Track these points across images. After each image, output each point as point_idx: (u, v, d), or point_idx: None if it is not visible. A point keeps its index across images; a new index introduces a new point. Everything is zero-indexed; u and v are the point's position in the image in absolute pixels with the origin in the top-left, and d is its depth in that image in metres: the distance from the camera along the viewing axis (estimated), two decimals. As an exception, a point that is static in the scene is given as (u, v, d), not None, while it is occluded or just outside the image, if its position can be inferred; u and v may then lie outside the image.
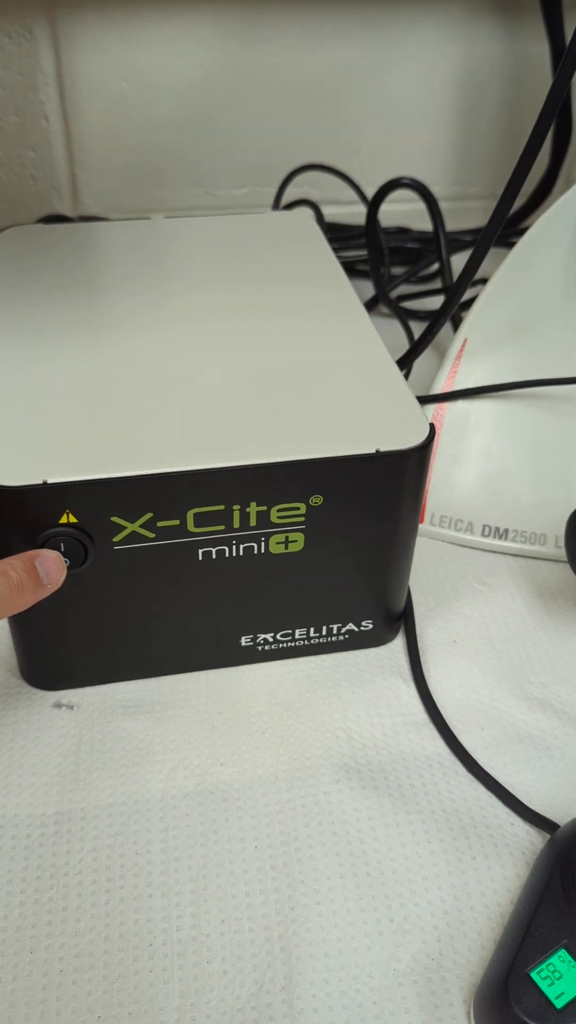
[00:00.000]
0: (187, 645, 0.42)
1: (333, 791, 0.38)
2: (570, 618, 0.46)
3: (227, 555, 0.38)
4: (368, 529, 0.39)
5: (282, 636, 0.42)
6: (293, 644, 0.43)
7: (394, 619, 0.44)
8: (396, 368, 0.42)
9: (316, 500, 0.37)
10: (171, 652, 0.42)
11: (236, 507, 0.37)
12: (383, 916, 0.34)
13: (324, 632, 0.43)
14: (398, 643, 0.45)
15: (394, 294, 0.72)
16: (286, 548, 0.39)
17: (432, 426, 0.38)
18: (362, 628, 0.43)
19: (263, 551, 0.38)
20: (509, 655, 0.44)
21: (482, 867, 0.35)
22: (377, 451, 0.36)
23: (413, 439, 0.37)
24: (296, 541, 0.38)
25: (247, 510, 0.37)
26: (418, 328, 0.66)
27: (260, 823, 0.36)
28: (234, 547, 0.38)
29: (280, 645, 0.43)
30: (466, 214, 0.85)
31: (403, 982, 0.32)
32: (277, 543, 0.38)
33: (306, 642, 0.43)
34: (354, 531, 0.39)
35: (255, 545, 0.38)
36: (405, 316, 0.66)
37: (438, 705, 0.41)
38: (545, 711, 0.41)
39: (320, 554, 0.39)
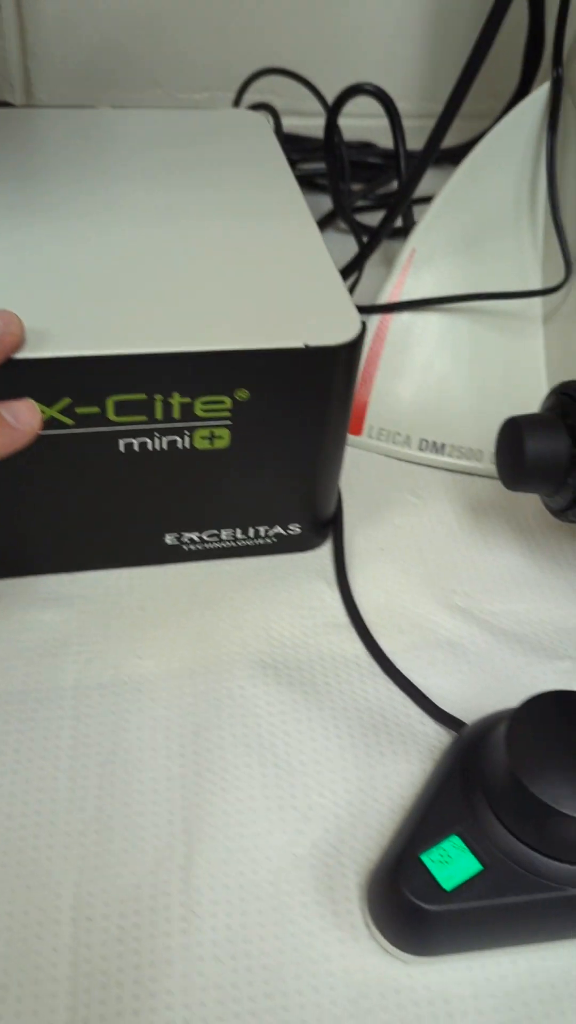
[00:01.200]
0: (110, 540, 0.41)
1: (248, 686, 0.38)
2: (499, 533, 0.46)
3: (150, 448, 0.37)
4: (295, 428, 0.38)
5: (208, 536, 0.42)
6: (219, 545, 0.42)
7: (322, 525, 0.44)
8: (332, 266, 0.41)
9: (242, 395, 0.36)
10: (94, 547, 0.41)
11: (158, 397, 0.36)
12: (287, 804, 0.34)
13: (251, 534, 0.42)
14: (325, 549, 0.44)
15: (355, 213, 0.70)
16: (211, 444, 0.38)
17: (364, 323, 0.37)
18: (289, 532, 0.43)
19: (187, 446, 0.38)
20: (436, 565, 0.44)
21: (389, 762, 0.36)
22: (305, 345, 0.36)
23: (343, 335, 0.36)
24: (221, 437, 0.38)
25: (170, 401, 0.36)
26: (385, 243, 0.65)
27: (172, 714, 0.37)
28: (157, 440, 0.37)
29: (206, 545, 0.42)
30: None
31: (301, 866, 0.32)
32: (202, 438, 0.38)
33: (233, 543, 0.43)
34: (281, 430, 0.38)
35: (179, 439, 0.37)
36: (361, 232, 0.65)
37: (360, 609, 0.41)
38: (466, 619, 0.41)
39: (246, 452, 0.39)
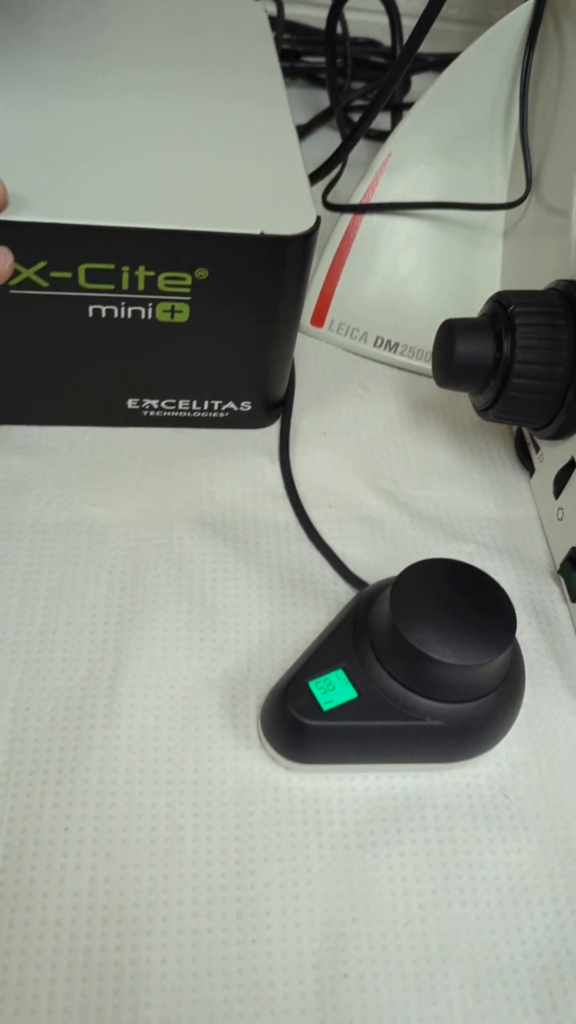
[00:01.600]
0: (77, 400, 0.45)
1: (187, 537, 0.43)
2: (435, 429, 0.50)
3: (116, 316, 0.41)
4: (250, 310, 0.42)
5: (166, 404, 0.46)
6: (176, 414, 0.47)
7: (272, 405, 0.48)
8: (300, 161, 0.44)
9: (201, 273, 0.40)
10: (60, 404, 0.46)
11: (125, 268, 0.39)
12: (207, 636, 0.39)
13: (206, 407, 0.47)
14: (273, 429, 0.49)
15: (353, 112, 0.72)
16: (172, 317, 0.42)
17: (319, 218, 0.40)
18: (241, 408, 0.47)
19: (150, 317, 0.42)
20: (370, 452, 0.49)
21: (300, 611, 0.41)
22: (261, 232, 0.39)
23: (298, 226, 0.40)
24: (181, 312, 0.42)
25: (136, 273, 0.40)
26: (367, 145, 0.67)
27: (118, 554, 0.42)
28: (123, 308, 0.41)
29: (164, 413, 0.47)
30: (444, 37, 0.83)
31: (211, 687, 0.38)
32: (163, 311, 0.42)
33: (188, 413, 0.47)
34: (236, 310, 0.42)
35: (142, 310, 0.41)
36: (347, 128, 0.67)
37: (296, 483, 0.46)
38: (388, 501, 0.46)
39: (204, 328, 0.43)
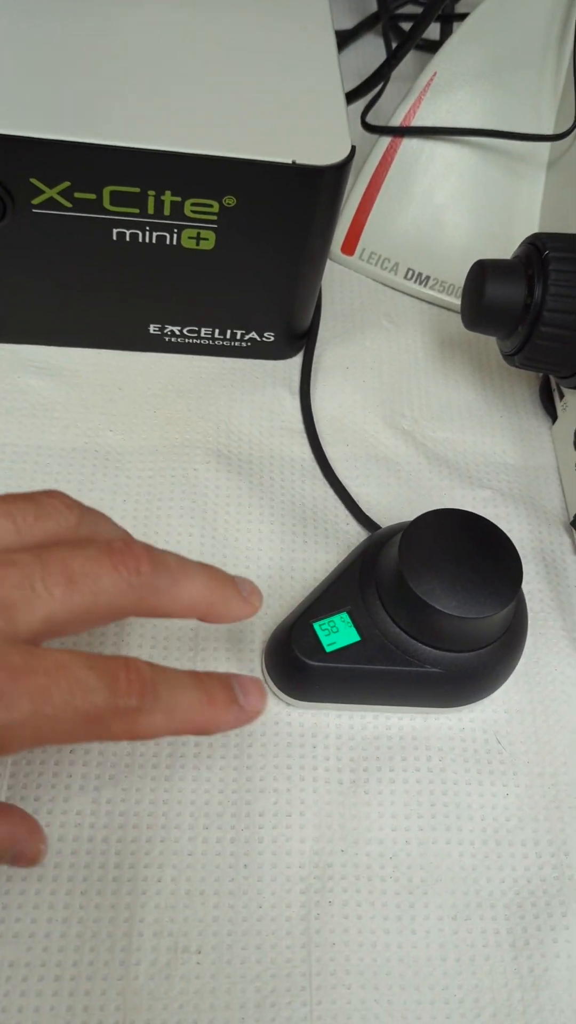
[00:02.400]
0: (100, 322, 0.45)
1: (202, 469, 0.43)
2: (459, 369, 0.50)
3: (140, 240, 0.40)
4: (277, 241, 0.41)
5: (188, 332, 0.46)
6: (197, 341, 0.46)
7: (296, 337, 0.48)
8: (339, 86, 0.42)
9: (229, 201, 0.39)
10: (82, 326, 0.45)
11: (151, 192, 0.38)
12: (218, 564, 0.40)
13: (228, 336, 0.46)
14: (295, 361, 0.48)
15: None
16: (197, 244, 0.41)
17: (353, 148, 0.39)
18: (264, 339, 0.47)
19: (175, 243, 0.41)
20: (392, 389, 0.48)
21: (311, 549, 0.41)
22: (293, 162, 0.38)
23: (332, 157, 0.38)
24: (207, 239, 0.41)
25: (162, 198, 0.39)
26: (413, 56, 0.64)
27: (133, 483, 0.42)
28: (147, 233, 0.40)
29: (185, 340, 0.46)
30: None
31: (219, 638, 0.39)
32: (189, 237, 0.41)
33: (210, 342, 0.46)
34: (263, 240, 0.41)
35: (167, 235, 0.40)
36: (393, 42, 0.63)
37: (314, 419, 0.46)
38: (406, 441, 0.46)
39: (229, 256, 0.42)
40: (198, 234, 0.40)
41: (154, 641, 0.38)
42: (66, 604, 0.25)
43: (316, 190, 0.39)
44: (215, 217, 0.40)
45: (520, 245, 0.43)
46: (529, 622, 0.40)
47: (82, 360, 0.46)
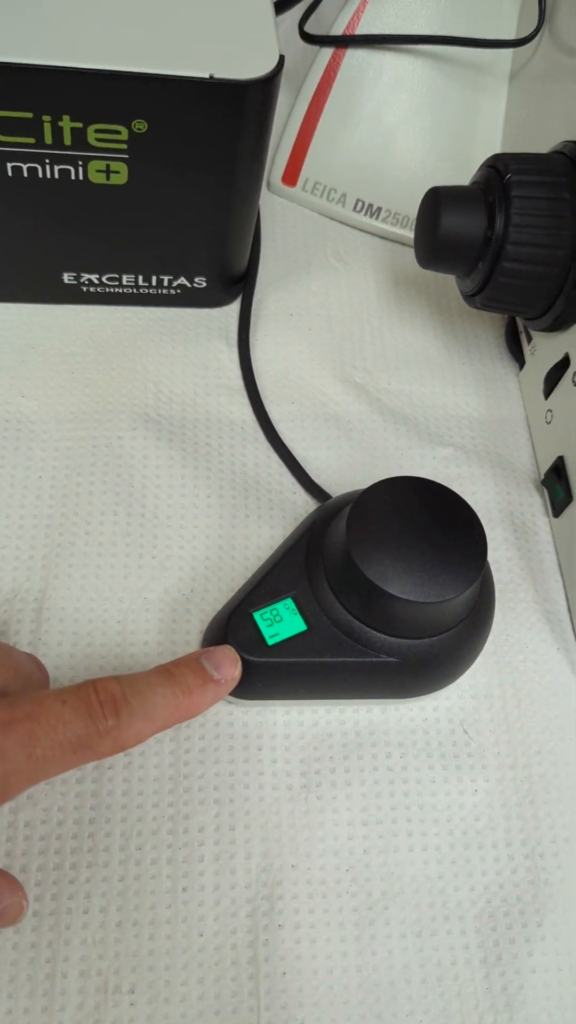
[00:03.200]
0: (5, 272, 0.40)
1: (127, 437, 0.38)
2: (417, 311, 0.45)
3: (40, 175, 0.35)
4: (200, 171, 0.36)
5: (108, 280, 0.40)
6: (120, 290, 0.41)
7: (232, 281, 0.42)
8: (265, -15, 0.36)
9: (139, 126, 0.34)
10: (-13, 277, 0.40)
11: (46, 118, 0.33)
12: (147, 552, 0.36)
13: (154, 283, 0.41)
14: (233, 308, 0.43)
15: None
16: (107, 179, 0.36)
17: (282, 57, 0.34)
18: (195, 285, 0.41)
19: (81, 178, 0.35)
20: (342, 336, 0.43)
21: (253, 525, 0.37)
22: (211, 76, 0.32)
23: (257, 69, 0.33)
24: (119, 172, 0.35)
25: (60, 124, 0.33)
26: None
27: (49, 455, 0.37)
28: (47, 167, 0.35)
29: (106, 289, 0.41)
30: None
31: (150, 609, 0.35)
32: (97, 171, 0.35)
33: (134, 290, 0.41)
34: (184, 171, 0.36)
35: (71, 169, 0.35)
36: None
37: (255, 374, 0.41)
38: (359, 396, 0.41)
39: (146, 192, 0.36)
40: (107, 166, 0.35)
41: (75, 638, 0.33)
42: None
43: (240, 109, 0.34)
44: (125, 146, 0.34)
45: (479, 169, 0.38)
46: (497, 595, 0.36)
47: (-11, 316, 0.41)
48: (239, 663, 0.30)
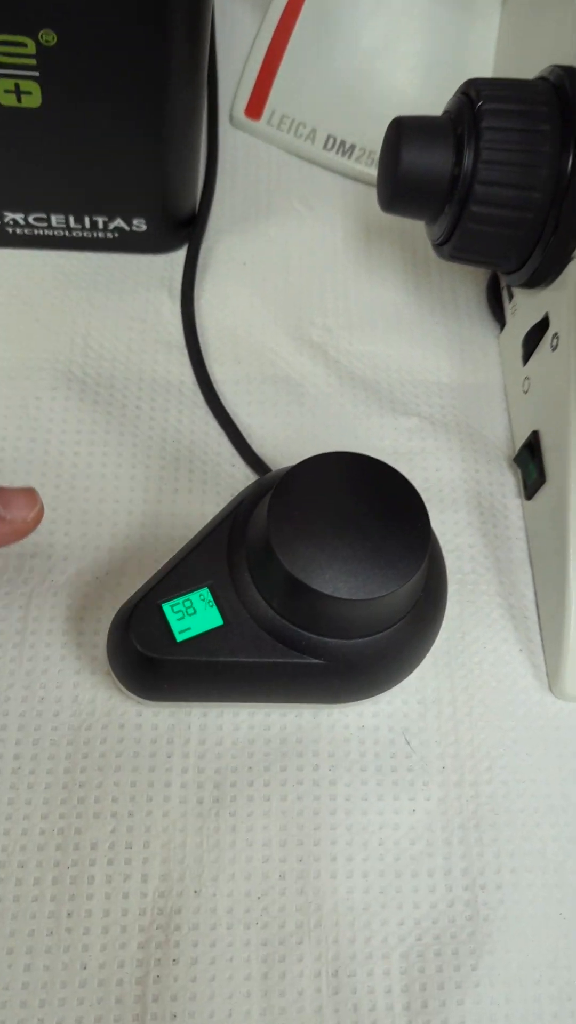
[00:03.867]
0: None
1: (47, 398, 0.34)
2: (388, 263, 0.40)
3: None
4: (125, 92, 0.31)
5: (35, 220, 0.36)
6: (49, 232, 0.37)
7: (178, 224, 0.38)
8: None
9: (48, 37, 0.29)
10: None
11: None
12: (59, 528, 0.32)
13: (87, 224, 0.36)
14: (179, 255, 0.39)
15: None
16: (18, 100, 0.31)
17: (213, -42, 0.29)
18: (134, 228, 0.37)
19: (-12, 99, 0.31)
20: (301, 290, 0.38)
21: (182, 501, 0.33)
22: (126, -24, 0.28)
23: (182, -32, 0.28)
24: (30, 93, 0.31)
25: (-46, 33, 0.29)
26: None
27: (-43, 417, 0.33)
28: (-52, 85, 0.30)
29: (34, 231, 0.37)
30: None
31: (57, 593, 0.31)
32: (5, 91, 0.31)
33: (64, 232, 0.37)
34: (106, 91, 0.31)
35: (-25, 88, 0.30)
36: None
37: (198, 329, 0.37)
38: (315, 356, 0.37)
39: (65, 116, 0.32)
40: (16, 86, 0.30)
41: (-31, 624, 0.30)
42: None
43: (167, 14, 0.29)
44: (33, 61, 0.30)
45: (452, 96, 0.33)
46: (456, 585, 0.32)
47: None
48: (38, 504, 0.27)
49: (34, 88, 0.31)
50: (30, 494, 0.28)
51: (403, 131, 0.31)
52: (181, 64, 0.31)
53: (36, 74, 0.30)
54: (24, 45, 0.29)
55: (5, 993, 0.25)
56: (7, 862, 0.27)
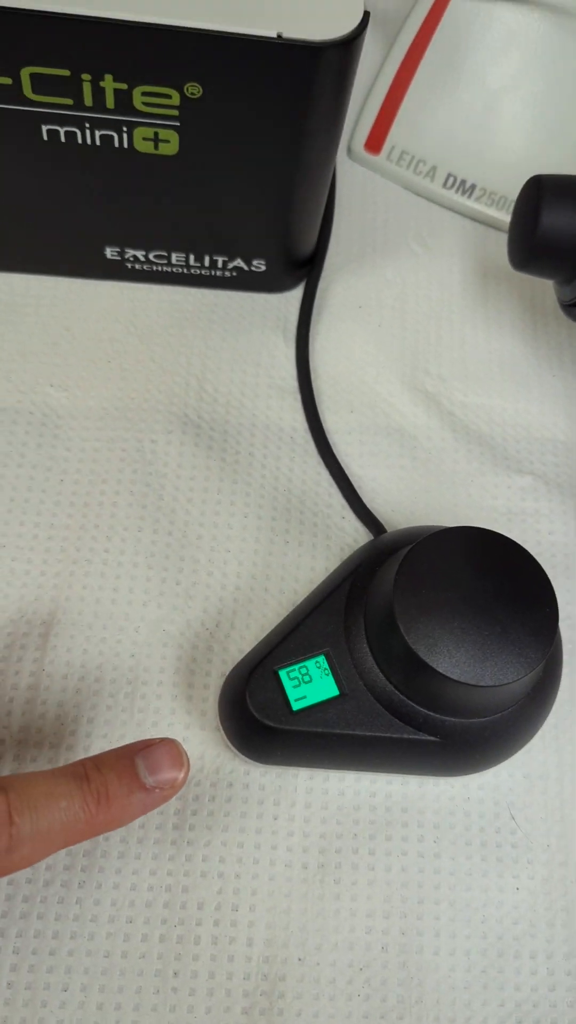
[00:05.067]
0: (42, 243, 0.36)
1: (161, 441, 0.34)
2: (506, 310, 0.39)
3: (79, 140, 0.30)
4: (263, 144, 0.31)
5: (156, 257, 0.36)
6: (168, 269, 0.37)
7: (295, 264, 0.37)
8: None
9: (193, 90, 0.29)
10: (25, 245, 0.36)
11: (86, 77, 0.28)
12: (171, 577, 0.32)
13: (207, 263, 0.36)
14: (294, 295, 0.38)
15: None
16: (156, 148, 0.31)
17: (366, 14, 0.28)
18: (253, 268, 0.37)
19: (126, 146, 0.31)
20: (417, 335, 0.38)
21: (293, 553, 0.33)
22: (279, 35, 0.27)
23: (335, 28, 0.27)
24: (168, 141, 0.31)
25: (101, 84, 0.28)
26: None
27: (73, 456, 0.33)
28: (88, 132, 0.30)
29: (153, 267, 0.36)
30: None
31: (168, 644, 0.31)
32: (144, 139, 0.30)
33: (184, 270, 0.37)
34: (244, 143, 0.31)
35: (115, 135, 0.30)
36: None
37: (312, 375, 0.36)
38: (430, 408, 0.36)
39: (200, 163, 0.31)
40: (155, 134, 0.30)
41: (83, 671, 0.30)
42: None
43: (313, 75, 0.28)
44: (176, 112, 0.29)
45: (594, 154, 0.32)
46: (569, 656, 0.32)
47: (26, 290, 0.37)
48: (185, 765, 0.25)
49: (172, 137, 0.30)
50: (174, 750, 0.25)
51: (544, 191, 0.30)
52: (321, 121, 0.30)
53: (176, 124, 0.30)
54: (169, 96, 0.29)
55: (111, 1050, 0.26)
56: (116, 917, 0.27)
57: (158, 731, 0.30)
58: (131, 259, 0.36)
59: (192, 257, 0.36)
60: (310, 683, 0.28)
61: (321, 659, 0.28)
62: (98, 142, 0.30)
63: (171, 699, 0.30)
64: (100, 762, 0.24)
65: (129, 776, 0.23)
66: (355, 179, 0.41)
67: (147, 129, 0.30)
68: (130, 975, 0.26)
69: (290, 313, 0.38)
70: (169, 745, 0.24)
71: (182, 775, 0.24)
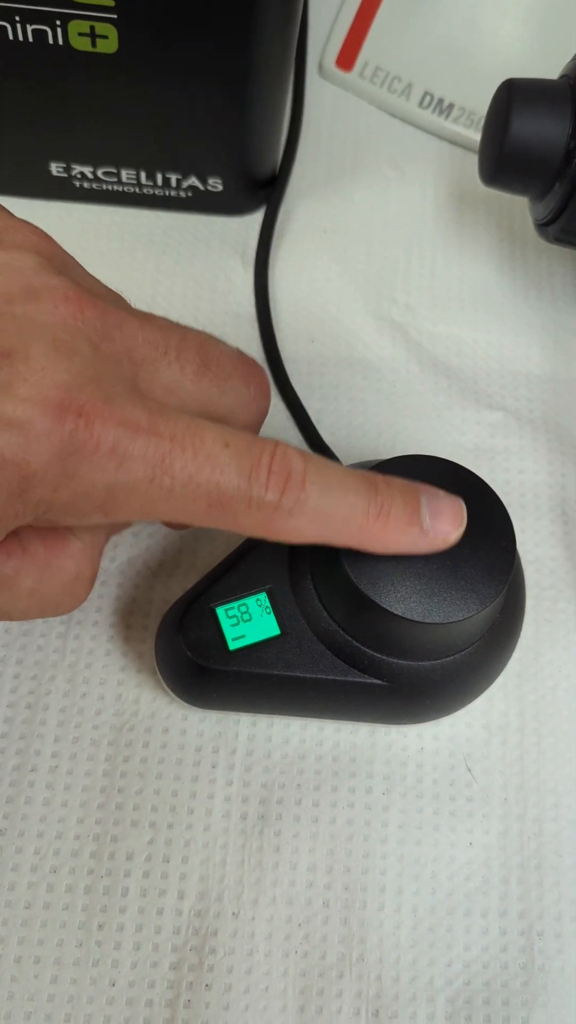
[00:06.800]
0: (-17, 158, 0.33)
1: (107, 370, 0.32)
2: (482, 235, 0.37)
3: (9, 36, 0.28)
4: (208, 41, 0.28)
5: (104, 174, 0.34)
6: (119, 188, 0.34)
7: (256, 185, 0.35)
8: None
9: (128, -25, 0.26)
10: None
11: (10, -42, 0.26)
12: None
13: (159, 182, 0.34)
14: (255, 218, 0.36)
15: None
16: (93, 45, 0.28)
17: None
18: (209, 188, 0.34)
19: (60, 41, 0.28)
20: (384, 262, 0.36)
21: (243, 489, 0.31)
22: None
23: None
24: (107, 37, 0.28)
25: (27, -32, 0.26)
26: None
27: None
28: (19, 27, 0.28)
29: (102, 186, 0.34)
30: None
31: (108, 582, 0.29)
32: (80, 34, 0.28)
33: (135, 189, 0.34)
34: (188, 36, 0.28)
35: (48, 30, 0.28)
36: None
37: (271, 301, 0.34)
38: (396, 338, 0.34)
39: (142, 64, 0.29)
40: (92, 29, 0.28)
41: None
42: (194, 384, 0.23)
43: (260, -43, 0.26)
44: (111, 3, 0.27)
45: (572, 59, 0.29)
46: (533, 601, 0.30)
47: (-34, 210, 0.34)
48: (463, 527, 0.23)
49: (110, 32, 0.28)
50: (458, 507, 0.23)
51: (515, 95, 0.28)
52: (270, 21, 0.28)
53: (114, 16, 0.27)
54: (102, -16, 0.26)
55: (30, 1004, 0.24)
56: (39, 865, 0.26)
57: (92, 672, 0.28)
58: (78, 176, 0.34)
59: (144, 175, 0.34)
60: (249, 622, 0.26)
61: (263, 596, 0.26)
62: (29, 38, 0.28)
63: (107, 640, 0.28)
64: (388, 481, 0.22)
65: (413, 508, 0.22)
66: (326, 98, 0.39)
67: (82, 23, 0.28)
68: (52, 927, 0.25)
69: (250, 238, 0.35)
70: (454, 500, 0.23)
71: (455, 534, 0.23)
